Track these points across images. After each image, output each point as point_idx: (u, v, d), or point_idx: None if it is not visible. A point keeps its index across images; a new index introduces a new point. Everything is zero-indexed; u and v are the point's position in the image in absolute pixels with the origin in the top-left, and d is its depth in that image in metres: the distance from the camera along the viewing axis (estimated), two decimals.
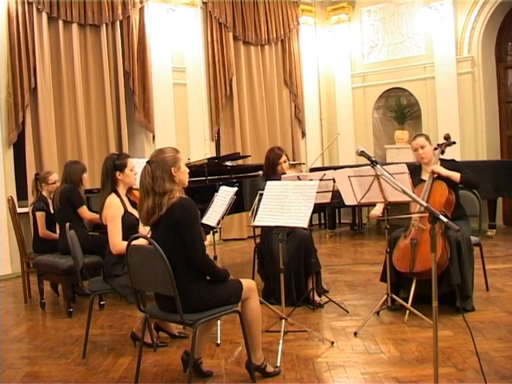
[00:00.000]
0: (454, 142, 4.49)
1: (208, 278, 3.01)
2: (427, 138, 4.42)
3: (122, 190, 3.90)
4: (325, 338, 3.75)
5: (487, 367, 3.05)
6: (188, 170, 3.12)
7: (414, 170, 4.54)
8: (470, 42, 7.97)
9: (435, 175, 4.25)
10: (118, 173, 3.85)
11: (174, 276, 2.80)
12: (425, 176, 4.38)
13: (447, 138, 4.41)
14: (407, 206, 4.44)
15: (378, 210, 4.34)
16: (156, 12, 7.51)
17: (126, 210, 3.82)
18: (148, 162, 3.00)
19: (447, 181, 4.24)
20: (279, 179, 4.48)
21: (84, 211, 4.85)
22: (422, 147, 4.35)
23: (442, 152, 4.36)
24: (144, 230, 3.84)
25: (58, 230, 5.06)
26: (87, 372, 3.40)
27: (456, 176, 4.25)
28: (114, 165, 3.85)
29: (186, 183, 3.10)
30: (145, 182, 2.96)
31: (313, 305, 4.46)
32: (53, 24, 6.62)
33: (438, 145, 4.40)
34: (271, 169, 4.91)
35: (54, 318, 4.64)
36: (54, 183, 5.25)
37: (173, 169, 2.97)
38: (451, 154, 4.65)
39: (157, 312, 3.11)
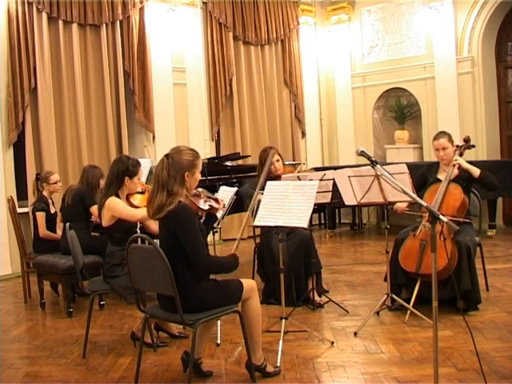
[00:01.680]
0: (474, 146, 4.43)
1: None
2: (450, 138, 4.32)
3: (122, 195, 3.93)
4: (325, 337, 3.75)
5: (487, 367, 3.05)
6: (199, 178, 3.07)
7: (431, 168, 4.52)
8: (470, 42, 7.97)
9: (453, 177, 4.20)
10: (127, 178, 3.87)
11: (175, 276, 2.80)
12: (441, 175, 4.34)
13: (467, 140, 4.35)
14: (411, 206, 4.42)
15: (403, 203, 4.25)
16: (156, 12, 7.50)
17: None
18: (166, 156, 2.96)
19: (463, 185, 4.22)
20: (273, 179, 4.48)
21: (95, 209, 4.79)
22: (444, 149, 4.29)
23: (461, 154, 4.30)
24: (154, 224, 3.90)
25: (62, 229, 5.05)
26: (87, 372, 3.40)
27: (476, 171, 4.21)
28: (128, 170, 3.86)
29: (192, 191, 3.08)
30: (161, 175, 2.92)
31: (313, 305, 4.46)
32: (53, 24, 6.61)
33: (457, 146, 4.34)
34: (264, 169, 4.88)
35: (54, 318, 4.64)
36: (56, 183, 5.26)
37: (187, 173, 2.94)
38: None
39: (157, 312, 3.11)
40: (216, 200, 3.35)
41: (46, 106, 6.49)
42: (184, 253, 2.89)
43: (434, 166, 4.50)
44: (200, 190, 3.25)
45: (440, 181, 4.27)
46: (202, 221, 3.43)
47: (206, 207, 3.18)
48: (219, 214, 3.66)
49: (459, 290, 3.92)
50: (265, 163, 4.86)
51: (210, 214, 3.31)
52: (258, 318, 3.10)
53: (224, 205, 3.61)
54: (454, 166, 4.20)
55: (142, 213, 3.82)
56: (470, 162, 4.32)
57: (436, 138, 4.37)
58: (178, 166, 2.92)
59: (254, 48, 8.57)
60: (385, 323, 4.04)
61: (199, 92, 8.05)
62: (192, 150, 3.05)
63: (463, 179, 4.25)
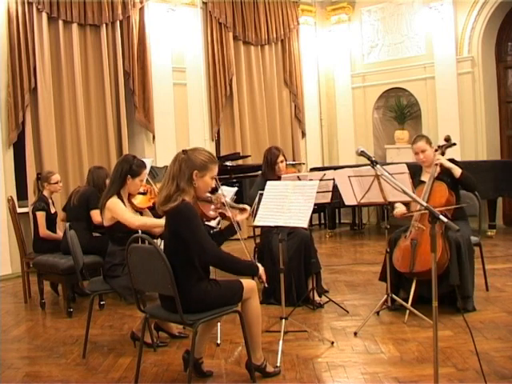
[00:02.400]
0: (455, 144, 4.45)
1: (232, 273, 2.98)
2: (428, 140, 4.37)
3: (125, 194, 3.94)
4: (325, 338, 3.75)
5: (487, 367, 3.05)
6: (213, 186, 3.03)
7: (415, 171, 4.54)
8: (470, 42, 7.97)
9: (436, 174, 4.22)
10: (129, 177, 3.87)
11: (175, 276, 2.79)
12: (425, 177, 4.36)
13: (448, 139, 4.38)
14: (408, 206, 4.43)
15: (402, 207, 4.27)
16: (156, 12, 7.51)
17: None
18: (183, 151, 2.98)
19: (448, 181, 4.23)
20: (277, 179, 4.48)
21: (95, 214, 4.76)
22: (423, 151, 4.31)
23: (443, 154, 4.33)
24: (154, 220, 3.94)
25: (63, 229, 5.06)
26: (87, 372, 3.40)
27: (457, 170, 4.23)
28: (131, 169, 3.87)
29: (203, 195, 3.04)
30: (173, 167, 2.94)
31: (313, 305, 4.46)
32: (53, 24, 6.62)
33: (439, 146, 4.35)
34: (269, 169, 4.90)
35: (54, 318, 4.64)
36: (56, 183, 5.26)
37: (195, 172, 2.92)
38: (452, 153, 4.63)
39: (157, 312, 3.11)
40: (241, 209, 3.26)
41: (46, 106, 6.49)
42: (185, 252, 2.88)
43: (417, 169, 4.51)
44: (215, 196, 3.17)
45: (424, 182, 4.30)
46: (212, 228, 3.37)
47: (214, 215, 3.11)
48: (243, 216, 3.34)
49: (448, 285, 3.93)
50: (269, 163, 4.86)
51: (228, 224, 3.23)
52: (257, 318, 3.09)
53: (250, 213, 3.43)
54: (436, 165, 4.22)
55: (141, 221, 3.84)
56: (463, 162, 4.34)
57: (414, 141, 4.40)
58: (190, 162, 2.92)
59: (254, 48, 8.58)
60: (385, 323, 4.04)
61: (199, 92, 8.05)
62: (211, 154, 3.05)
63: (447, 175, 4.27)
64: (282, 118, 8.98)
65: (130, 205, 3.97)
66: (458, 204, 4.29)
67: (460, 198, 4.39)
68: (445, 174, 4.28)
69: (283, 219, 3.67)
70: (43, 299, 4.92)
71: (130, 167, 3.87)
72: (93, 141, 7.00)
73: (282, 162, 4.89)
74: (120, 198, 3.86)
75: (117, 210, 3.79)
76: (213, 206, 3.12)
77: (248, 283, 3.08)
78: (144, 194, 4.18)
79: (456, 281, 3.99)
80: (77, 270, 3.78)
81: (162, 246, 3.08)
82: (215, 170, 3.02)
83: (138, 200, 4.07)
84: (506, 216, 8.00)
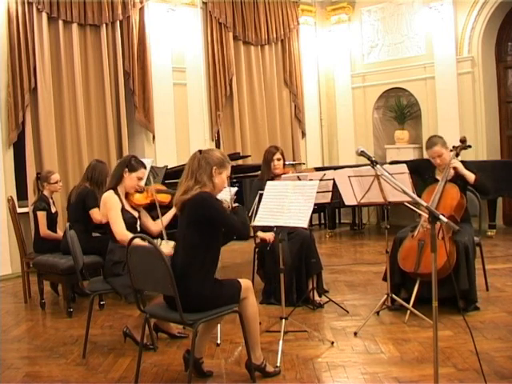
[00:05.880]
0: (470, 146, 4.41)
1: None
2: (443, 143, 4.27)
3: (121, 190, 3.93)
4: (325, 338, 3.75)
5: (487, 367, 3.05)
6: (226, 186, 3.19)
7: (427, 167, 4.51)
8: (470, 42, 7.97)
9: (448, 177, 4.20)
10: (126, 170, 3.91)
11: (185, 273, 2.88)
12: (439, 176, 4.33)
13: (463, 140, 4.34)
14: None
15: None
16: (156, 12, 7.51)
17: (123, 207, 3.86)
18: (199, 151, 3.13)
19: (459, 183, 4.22)
20: (272, 178, 4.48)
21: (95, 212, 4.77)
22: (440, 156, 4.26)
23: (457, 155, 4.30)
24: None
25: (62, 228, 5.06)
26: (87, 372, 3.40)
27: (471, 177, 4.21)
28: (129, 162, 3.94)
29: (217, 192, 3.16)
30: (192, 165, 3.09)
31: (313, 305, 4.46)
32: (53, 24, 6.61)
33: (454, 147, 4.33)
34: (266, 167, 4.88)
35: (54, 318, 4.64)
36: (56, 183, 5.26)
37: (215, 168, 3.08)
38: None
39: (157, 311, 3.11)
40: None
41: (46, 106, 6.49)
42: (199, 248, 2.95)
43: (430, 166, 4.48)
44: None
45: (438, 181, 4.28)
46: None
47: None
48: None
49: (450, 290, 3.92)
50: (266, 160, 4.86)
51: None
52: (255, 317, 3.10)
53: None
54: (453, 167, 4.19)
55: (124, 235, 3.67)
56: (469, 162, 4.32)
57: (429, 146, 4.31)
58: (209, 159, 3.09)
59: (254, 48, 8.57)
60: (385, 323, 4.04)
61: (199, 92, 8.05)
62: (224, 153, 3.25)
63: (460, 178, 4.26)
64: (282, 118, 8.97)
65: (127, 201, 3.96)
66: (467, 206, 4.28)
67: (467, 201, 4.37)
68: (458, 177, 4.26)
69: (283, 219, 3.66)
70: (43, 299, 4.92)
71: (129, 161, 3.95)
72: (93, 141, 6.99)
73: (278, 159, 4.85)
74: (117, 194, 3.87)
75: (111, 214, 3.79)
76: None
77: (244, 282, 3.10)
78: (141, 192, 4.18)
79: (465, 285, 3.99)
80: (77, 270, 3.78)
81: (161, 246, 3.09)
82: (229, 168, 3.21)
83: (135, 196, 4.07)
84: (506, 216, 8.00)
